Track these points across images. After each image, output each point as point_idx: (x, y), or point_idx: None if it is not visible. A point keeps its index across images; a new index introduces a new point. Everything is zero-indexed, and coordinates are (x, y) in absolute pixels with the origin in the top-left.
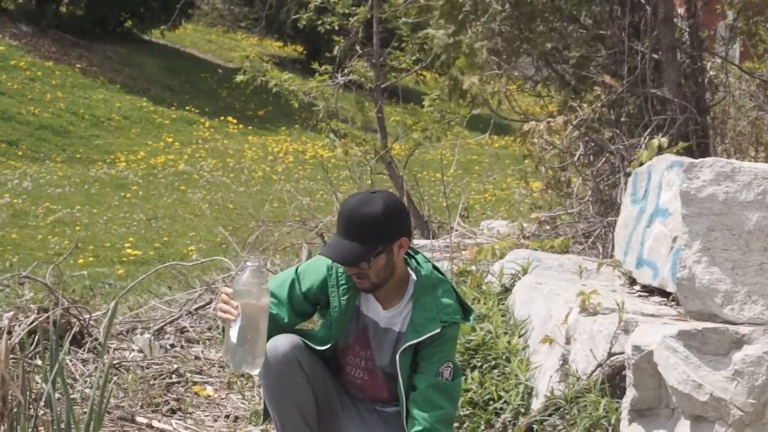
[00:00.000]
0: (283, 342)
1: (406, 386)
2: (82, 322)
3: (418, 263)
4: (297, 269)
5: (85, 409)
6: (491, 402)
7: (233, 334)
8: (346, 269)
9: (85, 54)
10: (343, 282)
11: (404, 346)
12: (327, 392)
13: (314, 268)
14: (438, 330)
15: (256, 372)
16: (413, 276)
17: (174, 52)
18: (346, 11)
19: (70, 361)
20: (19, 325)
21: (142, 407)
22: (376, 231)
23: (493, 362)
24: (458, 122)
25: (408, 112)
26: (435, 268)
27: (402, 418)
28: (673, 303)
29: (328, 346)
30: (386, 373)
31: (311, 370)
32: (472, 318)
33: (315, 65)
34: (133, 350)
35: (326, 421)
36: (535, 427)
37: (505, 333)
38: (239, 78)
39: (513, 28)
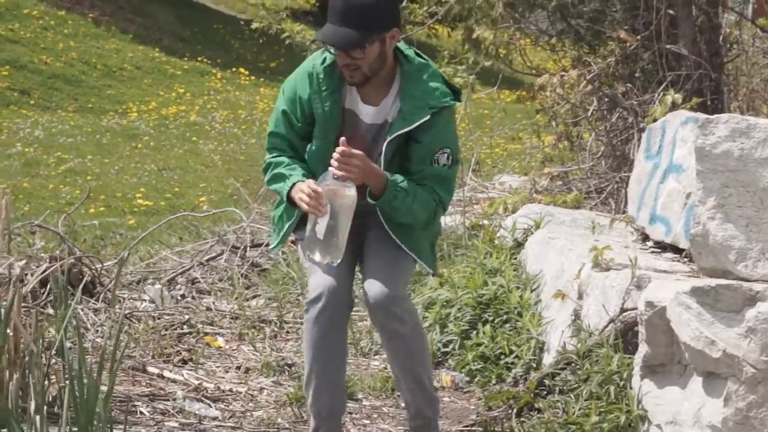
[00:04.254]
0: (334, 299)
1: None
2: (93, 271)
3: (401, 52)
4: (280, 108)
5: (96, 359)
6: (503, 356)
7: (320, 229)
8: (339, 60)
9: (97, 3)
10: (324, 87)
11: (391, 137)
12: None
13: (298, 83)
14: (427, 117)
15: (338, 261)
16: (400, 67)
17: (186, 2)
18: None
19: (82, 310)
20: (32, 274)
21: (153, 357)
22: (372, 18)
23: (504, 317)
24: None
25: None
26: (417, 53)
27: None
28: (685, 259)
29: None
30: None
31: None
32: (462, 97)
33: None
34: (144, 300)
35: None
36: (547, 381)
37: (517, 287)
38: (255, 25)
39: None
